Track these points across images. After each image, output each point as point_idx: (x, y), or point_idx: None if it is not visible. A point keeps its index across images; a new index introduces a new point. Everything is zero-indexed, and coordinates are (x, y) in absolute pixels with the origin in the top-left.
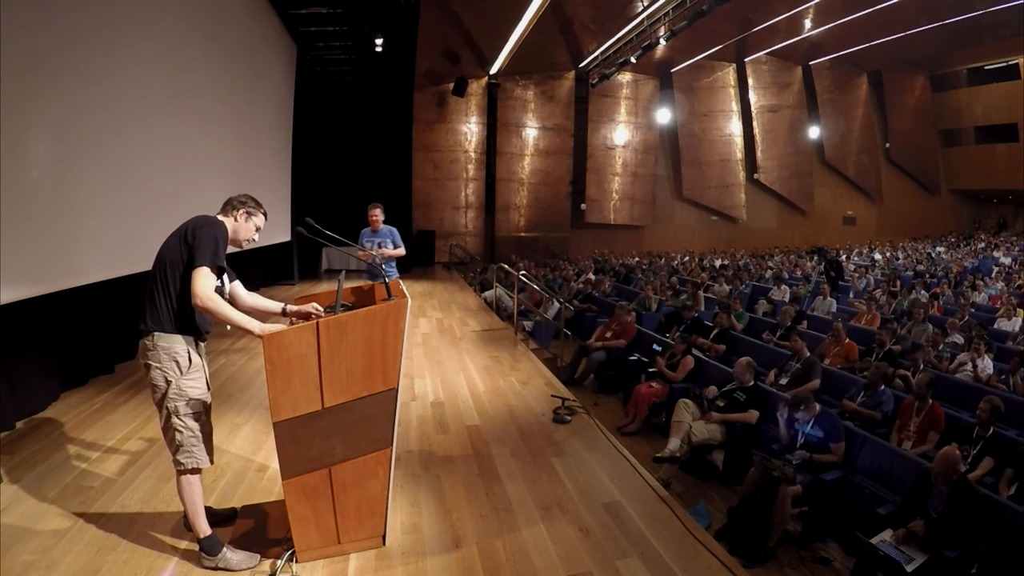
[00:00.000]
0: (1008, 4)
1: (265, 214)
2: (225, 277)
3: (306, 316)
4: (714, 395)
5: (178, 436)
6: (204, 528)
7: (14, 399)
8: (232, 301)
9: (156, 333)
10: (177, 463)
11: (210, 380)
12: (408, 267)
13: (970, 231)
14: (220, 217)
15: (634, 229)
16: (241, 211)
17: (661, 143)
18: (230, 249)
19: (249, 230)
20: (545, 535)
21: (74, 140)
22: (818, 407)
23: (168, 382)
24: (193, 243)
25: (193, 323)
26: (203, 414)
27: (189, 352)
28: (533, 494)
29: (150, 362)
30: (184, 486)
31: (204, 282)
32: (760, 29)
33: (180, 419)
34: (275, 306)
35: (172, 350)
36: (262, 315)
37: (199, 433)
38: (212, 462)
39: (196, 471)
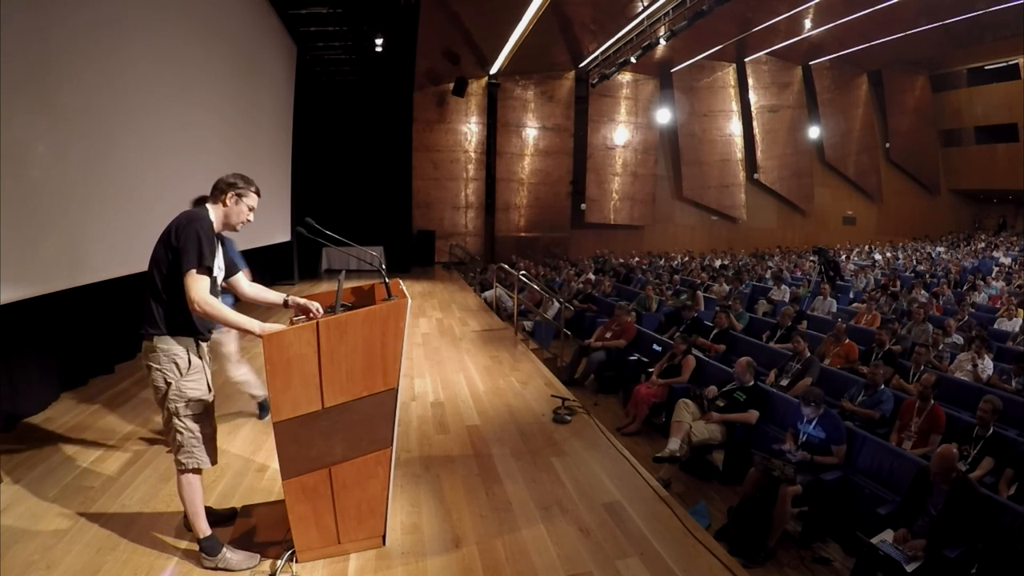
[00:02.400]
0: (1008, 4)
1: (257, 191)
2: (218, 273)
3: (306, 311)
4: (714, 395)
5: (179, 437)
6: (204, 528)
7: (14, 399)
8: (235, 291)
9: (156, 336)
10: (178, 463)
11: (211, 380)
12: (408, 267)
13: (970, 231)
14: (209, 205)
15: (634, 229)
16: (230, 194)
17: (661, 143)
18: (227, 233)
19: (241, 212)
20: (545, 535)
21: (74, 140)
22: (822, 408)
23: (168, 383)
24: (177, 246)
25: (191, 324)
26: (204, 415)
27: (188, 354)
28: (533, 494)
29: (151, 363)
30: (184, 486)
31: (196, 287)
32: (760, 29)
33: (180, 420)
34: (277, 297)
35: (171, 352)
36: (264, 308)
37: (200, 434)
38: (215, 462)
39: (197, 471)
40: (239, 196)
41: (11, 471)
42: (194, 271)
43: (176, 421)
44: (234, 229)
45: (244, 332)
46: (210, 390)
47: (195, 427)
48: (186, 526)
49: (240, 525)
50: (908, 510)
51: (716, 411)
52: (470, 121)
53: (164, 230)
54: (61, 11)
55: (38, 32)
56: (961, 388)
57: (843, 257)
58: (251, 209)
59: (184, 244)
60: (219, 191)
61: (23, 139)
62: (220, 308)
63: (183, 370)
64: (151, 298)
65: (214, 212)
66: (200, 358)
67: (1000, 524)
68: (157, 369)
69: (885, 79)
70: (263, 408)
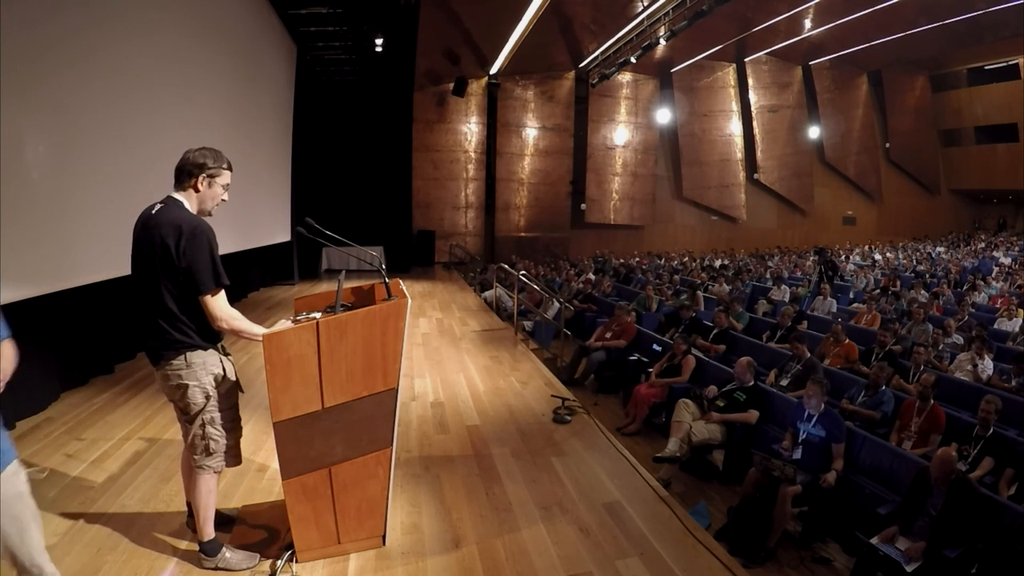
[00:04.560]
0: (1008, 4)
1: (229, 165)
2: None
3: None
4: (714, 395)
5: (212, 444)
6: (209, 532)
7: (14, 399)
8: None
9: (188, 353)
10: (203, 467)
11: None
12: (408, 267)
13: (970, 231)
14: (178, 194)
15: (634, 229)
16: (200, 177)
17: (661, 143)
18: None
19: (215, 195)
20: (545, 535)
21: (73, 140)
22: (823, 405)
23: (208, 397)
24: (187, 264)
25: (214, 332)
26: (237, 419)
27: (222, 361)
28: (533, 494)
29: (186, 381)
30: (203, 490)
31: (219, 305)
32: (760, 29)
33: (216, 428)
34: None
35: (209, 364)
36: (264, 308)
37: (233, 439)
38: (241, 462)
39: (217, 474)
40: (211, 177)
41: None
42: (214, 291)
43: (210, 429)
44: (209, 214)
45: (259, 341)
46: (241, 389)
47: (231, 434)
48: (188, 525)
49: (240, 525)
50: (908, 511)
51: (716, 411)
52: (470, 121)
53: (151, 236)
54: (58, 8)
55: (35, 29)
56: (961, 388)
57: (843, 257)
58: (225, 188)
59: (196, 264)
60: (186, 174)
61: (23, 139)
62: (243, 321)
63: (219, 380)
64: (161, 317)
65: (187, 201)
66: (231, 363)
67: (1000, 524)
68: (196, 386)
69: (885, 79)
70: None
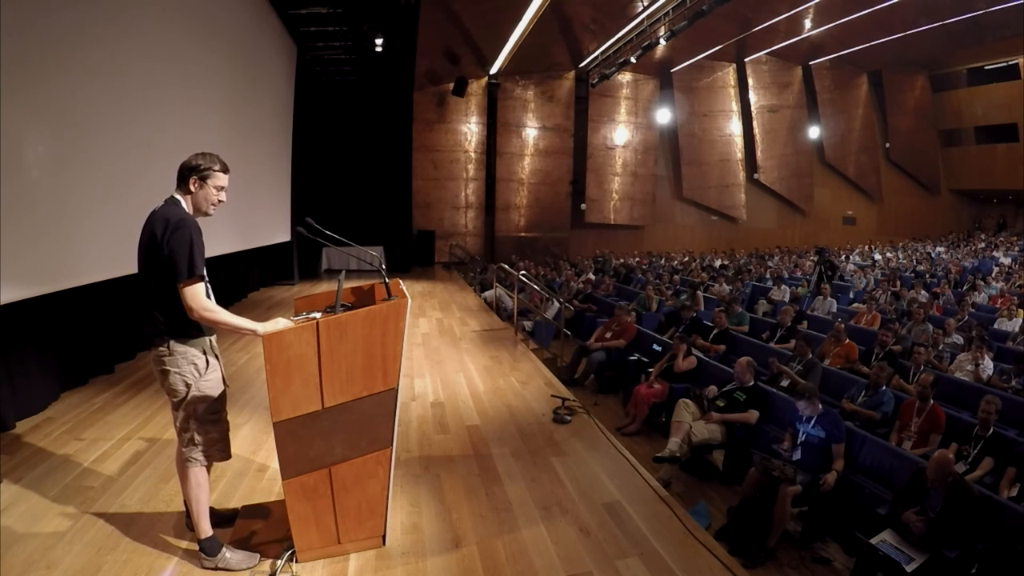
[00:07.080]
0: (1008, 4)
1: (224, 168)
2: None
3: None
4: (714, 395)
5: (197, 436)
6: (206, 529)
7: (14, 399)
8: None
9: (171, 341)
10: (191, 460)
11: (225, 374)
12: (408, 267)
13: (970, 231)
14: (178, 195)
15: (634, 229)
16: (192, 179)
17: (661, 143)
18: (199, 218)
19: (209, 195)
20: (545, 535)
21: (73, 140)
22: (821, 406)
23: (188, 386)
24: (168, 252)
25: (200, 325)
26: (221, 412)
27: (206, 353)
28: (533, 494)
29: (168, 368)
30: (193, 484)
31: (192, 295)
32: (760, 29)
33: (199, 421)
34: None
35: (190, 354)
36: (264, 308)
37: (217, 432)
38: (229, 456)
39: (207, 468)
40: (202, 179)
41: (11, 471)
42: (188, 282)
43: (194, 422)
44: (206, 214)
45: (245, 333)
46: (226, 384)
47: (213, 426)
48: (188, 526)
49: (240, 525)
50: (900, 509)
51: (716, 411)
52: (470, 121)
53: (147, 231)
54: (57, 7)
55: (35, 28)
56: (961, 388)
57: (843, 257)
58: (220, 189)
59: (175, 253)
60: (182, 177)
61: (23, 139)
62: (220, 313)
63: (202, 371)
64: (153, 306)
65: (184, 202)
66: (216, 356)
67: (1000, 524)
68: (176, 373)
69: (885, 79)
70: None
